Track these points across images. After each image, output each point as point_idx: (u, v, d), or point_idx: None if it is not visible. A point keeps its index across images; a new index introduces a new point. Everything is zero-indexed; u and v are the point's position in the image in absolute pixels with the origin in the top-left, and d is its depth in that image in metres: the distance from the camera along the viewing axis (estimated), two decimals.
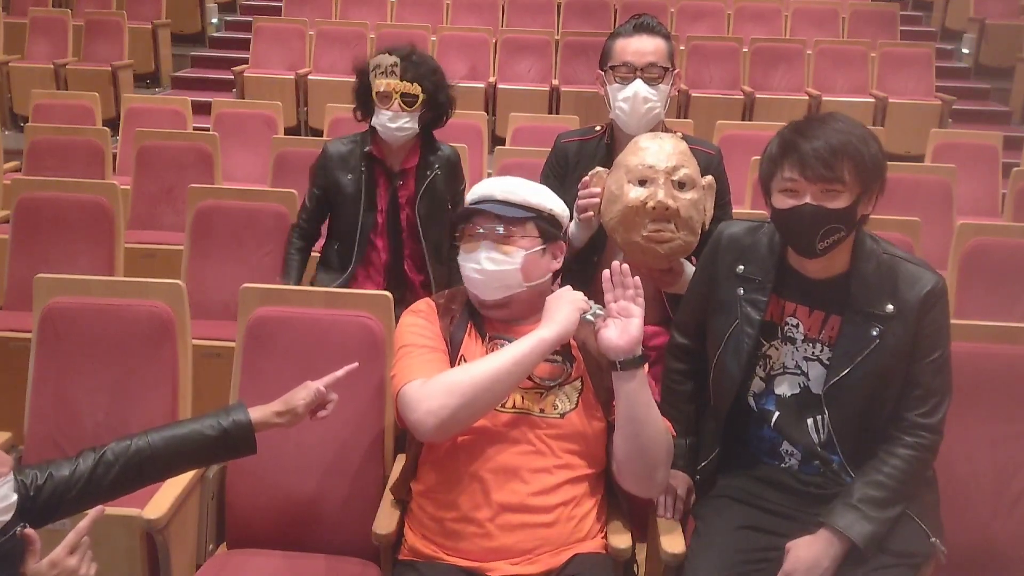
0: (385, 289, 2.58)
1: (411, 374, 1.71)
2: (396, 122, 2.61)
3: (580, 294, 1.77)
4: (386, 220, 2.75)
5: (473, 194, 1.84)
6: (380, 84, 2.60)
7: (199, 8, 8.16)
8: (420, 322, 1.82)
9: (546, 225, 1.82)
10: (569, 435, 1.74)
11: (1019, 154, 5.48)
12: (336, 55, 6.65)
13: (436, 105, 2.68)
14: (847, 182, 1.65)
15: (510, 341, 1.75)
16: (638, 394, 1.69)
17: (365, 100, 2.69)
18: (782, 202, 1.70)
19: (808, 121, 1.71)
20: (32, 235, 3.27)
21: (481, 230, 1.78)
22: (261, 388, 2.05)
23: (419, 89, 2.60)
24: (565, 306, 1.73)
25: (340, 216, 2.79)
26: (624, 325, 1.69)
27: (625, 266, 1.72)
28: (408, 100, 2.60)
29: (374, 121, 2.65)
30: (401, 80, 2.59)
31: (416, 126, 2.65)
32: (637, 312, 1.70)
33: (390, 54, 2.61)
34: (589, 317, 1.73)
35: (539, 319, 1.77)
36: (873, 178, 1.68)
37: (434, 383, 1.66)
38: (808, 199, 1.66)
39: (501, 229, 1.77)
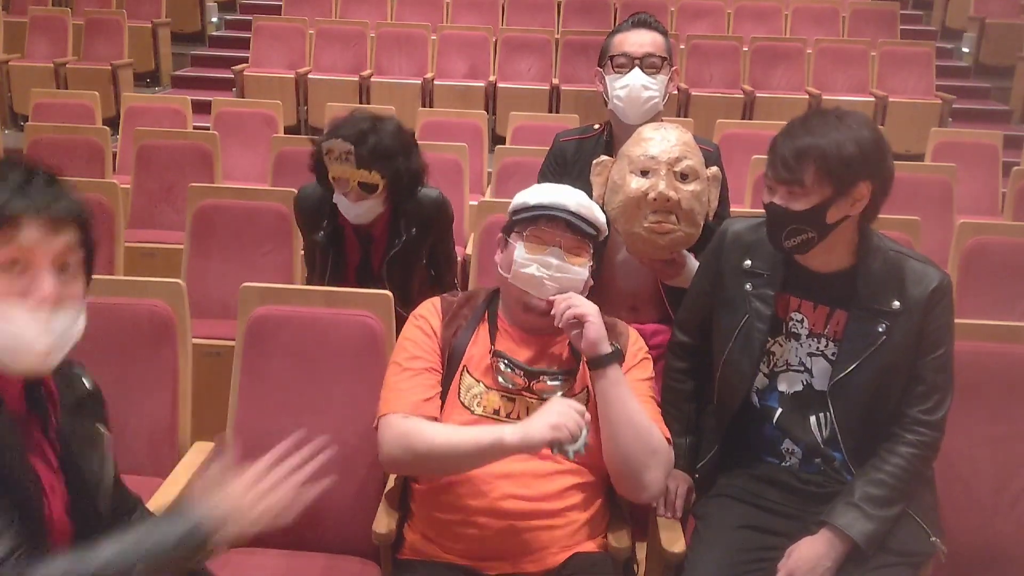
0: None
1: (391, 404, 1.72)
2: (356, 209, 2.37)
3: (579, 417, 1.59)
4: (356, 275, 2.58)
5: (537, 196, 1.79)
6: (335, 170, 2.34)
7: (199, 7, 8.17)
8: (416, 335, 1.81)
9: (598, 243, 1.83)
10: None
11: (1019, 153, 5.48)
12: (336, 54, 6.66)
13: (399, 183, 2.40)
14: (808, 185, 1.65)
15: (510, 362, 1.75)
16: (608, 392, 1.68)
17: (323, 177, 2.43)
18: (764, 196, 1.74)
19: (803, 120, 1.71)
20: None
21: (555, 236, 1.75)
22: (261, 388, 2.05)
23: (377, 177, 2.34)
24: (549, 418, 1.59)
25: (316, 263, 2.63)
26: (583, 332, 1.69)
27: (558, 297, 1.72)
28: (367, 188, 2.35)
29: (335, 199, 2.41)
30: (357, 168, 2.32)
31: (380, 207, 2.41)
32: (586, 315, 1.68)
33: (344, 139, 2.32)
34: (567, 448, 1.59)
35: (561, 333, 1.76)
36: (846, 181, 1.65)
37: (400, 432, 1.67)
38: (776, 198, 1.69)
39: (573, 241, 1.76)
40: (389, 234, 2.52)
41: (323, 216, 2.52)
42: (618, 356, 1.72)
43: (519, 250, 1.76)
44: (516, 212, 1.82)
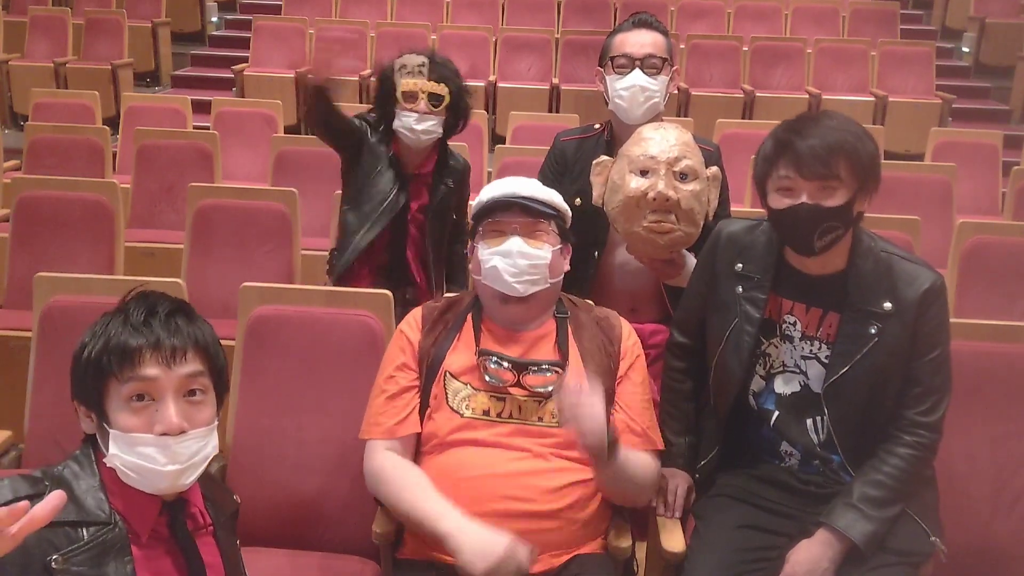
0: (383, 285, 2.58)
1: (370, 429, 1.78)
2: (422, 124, 2.53)
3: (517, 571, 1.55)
4: (392, 221, 2.66)
5: (491, 192, 1.82)
6: (407, 84, 2.52)
7: (199, 7, 8.16)
8: (394, 352, 1.83)
9: (563, 225, 1.85)
10: (568, 443, 1.72)
11: (1019, 153, 5.49)
12: None
13: (457, 109, 2.63)
14: (843, 179, 1.65)
15: (500, 358, 1.75)
16: (616, 473, 1.68)
17: (386, 102, 2.61)
18: (778, 202, 1.70)
19: (802, 119, 1.71)
20: (32, 234, 3.27)
21: (511, 223, 1.78)
22: (261, 387, 2.05)
23: (445, 90, 2.54)
24: (488, 560, 1.52)
25: (356, 186, 2.69)
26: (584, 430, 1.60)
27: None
28: (435, 100, 2.53)
29: (396, 124, 2.57)
30: (428, 80, 2.53)
31: (440, 130, 2.58)
32: (589, 419, 1.57)
33: (418, 54, 2.56)
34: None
35: (542, 323, 1.81)
36: (869, 175, 1.68)
37: (374, 469, 1.73)
38: (805, 198, 1.65)
39: (531, 224, 1.78)
40: (435, 174, 2.68)
41: (379, 145, 2.65)
42: (617, 446, 1.66)
43: (481, 247, 1.79)
44: (474, 215, 1.85)
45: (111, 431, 1.24)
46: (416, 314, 1.88)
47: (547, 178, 2.34)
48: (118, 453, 1.24)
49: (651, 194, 1.95)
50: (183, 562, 1.31)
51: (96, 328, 1.29)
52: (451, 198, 2.72)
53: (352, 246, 2.64)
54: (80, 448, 1.31)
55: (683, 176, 1.98)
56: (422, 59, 2.55)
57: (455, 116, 2.62)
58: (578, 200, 2.26)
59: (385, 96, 2.61)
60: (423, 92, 2.52)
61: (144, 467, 1.24)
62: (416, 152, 2.63)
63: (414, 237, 2.71)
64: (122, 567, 1.23)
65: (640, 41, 2.25)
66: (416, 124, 2.54)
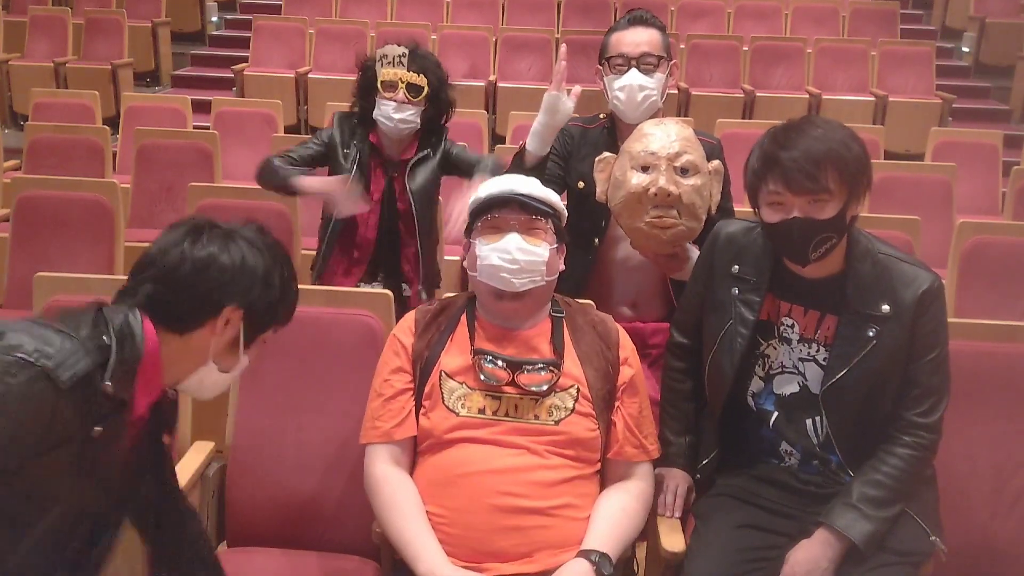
0: (371, 279, 2.64)
1: (368, 433, 1.80)
2: (400, 113, 2.59)
3: None
4: (380, 212, 2.70)
5: (489, 189, 1.83)
6: (386, 73, 2.59)
7: (199, 6, 8.16)
8: (389, 356, 1.84)
9: (559, 224, 1.85)
10: (565, 442, 1.73)
11: (1019, 153, 5.49)
12: (336, 53, 6.65)
13: (438, 101, 2.68)
14: (833, 191, 1.63)
15: (494, 357, 1.75)
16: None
17: (367, 91, 2.66)
18: (771, 216, 1.69)
19: (786, 130, 1.69)
20: (32, 234, 3.27)
21: (509, 220, 1.78)
22: (261, 387, 2.05)
23: (424, 81, 2.60)
24: None
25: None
26: None
27: None
28: (413, 91, 2.59)
29: (376, 114, 2.63)
30: (408, 70, 2.59)
31: (418, 121, 2.64)
32: None
33: (399, 45, 2.62)
34: None
35: (536, 322, 1.81)
36: (858, 181, 1.66)
37: (372, 479, 1.76)
38: (796, 212, 1.65)
39: (528, 221, 1.78)
40: (417, 160, 2.70)
41: (356, 137, 2.70)
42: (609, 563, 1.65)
43: (479, 244, 1.79)
44: (472, 211, 1.85)
45: (246, 356, 1.48)
46: (409, 318, 1.88)
47: (554, 152, 2.32)
48: (238, 368, 1.48)
49: (652, 190, 1.96)
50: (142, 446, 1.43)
51: (264, 261, 1.51)
52: (432, 174, 2.72)
53: (329, 232, 2.69)
54: (127, 314, 1.32)
55: (684, 171, 1.98)
56: (402, 50, 2.61)
57: (435, 108, 2.68)
58: (580, 183, 2.27)
59: (366, 86, 2.66)
60: (402, 82, 2.58)
61: (231, 381, 1.52)
62: (396, 141, 2.68)
63: (405, 230, 2.71)
64: (123, 443, 1.33)
65: (635, 40, 2.25)
66: (394, 113, 2.59)
